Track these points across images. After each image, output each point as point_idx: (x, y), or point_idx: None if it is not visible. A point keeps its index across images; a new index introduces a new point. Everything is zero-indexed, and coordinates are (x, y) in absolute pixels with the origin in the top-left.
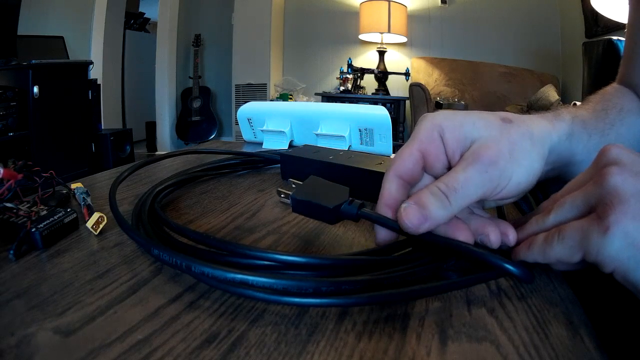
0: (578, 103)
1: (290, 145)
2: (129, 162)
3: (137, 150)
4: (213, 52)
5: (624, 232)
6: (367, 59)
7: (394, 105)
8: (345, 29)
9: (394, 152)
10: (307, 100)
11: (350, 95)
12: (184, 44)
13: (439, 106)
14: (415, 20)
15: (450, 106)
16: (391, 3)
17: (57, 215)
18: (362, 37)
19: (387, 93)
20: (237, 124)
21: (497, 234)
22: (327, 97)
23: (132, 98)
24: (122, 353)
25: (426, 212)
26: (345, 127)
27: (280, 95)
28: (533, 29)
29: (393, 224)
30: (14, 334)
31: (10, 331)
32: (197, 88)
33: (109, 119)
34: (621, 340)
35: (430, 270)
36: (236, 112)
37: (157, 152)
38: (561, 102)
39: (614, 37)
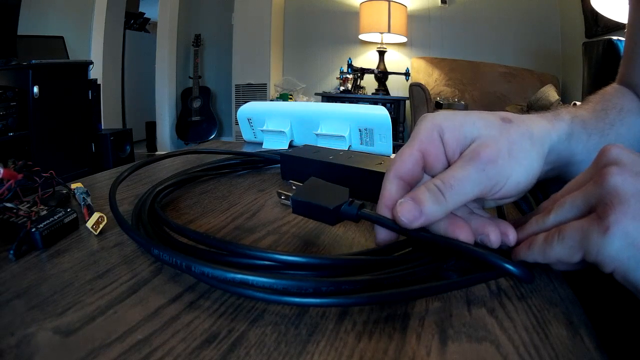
0: (578, 103)
1: (290, 145)
2: (129, 162)
3: (137, 150)
4: (213, 52)
5: (624, 232)
6: (367, 59)
7: (394, 105)
8: (345, 29)
9: (394, 152)
10: (307, 100)
11: (350, 95)
12: (184, 44)
13: (439, 106)
14: (415, 20)
15: (450, 106)
16: (391, 3)
17: (57, 215)
18: (362, 37)
19: (387, 93)
20: (237, 124)
21: (497, 233)
22: (327, 97)
23: (132, 98)
24: (122, 353)
25: (421, 207)
26: (345, 127)
27: (280, 95)
28: (533, 29)
29: (392, 224)
30: (14, 334)
31: (10, 331)
32: (197, 88)
33: (109, 119)
34: (621, 340)
35: (430, 270)
36: (236, 112)
37: (157, 152)
38: (561, 102)
39: (614, 37)
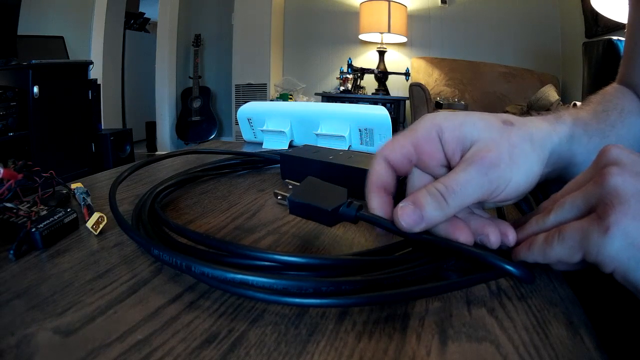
0: (578, 103)
1: (290, 145)
2: (129, 162)
3: (137, 150)
4: (213, 52)
5: (624, 232)
6: (367, 59)
7: (394, 105)
8: (345, 29)
9: None
10: (307, 100)
11: (350, 95)
12: (184, 44)
13: (439, 106)
14: (415, 20)
15: (450, 106)
16: (391, 3)
17: (57, 215)
18: (362, 37)
19: (387, 93)
20: (237, 124)
21: (496, 234)
22: (327, 97)
23: (132, 98)
24: (122, 353)
25: (422, 212)
26: (345, 127)
27: (280, 95)
28: (533, 29)
29: (392, 227)
30: (14, 334)
31: (10, 331)
32: (197, 88)
33: (109, 119)
34: (621, 340)
35: (430, 270)
36: (236, 112)
37: (157, 152)
38: (561, 102)
39: (614, 37)
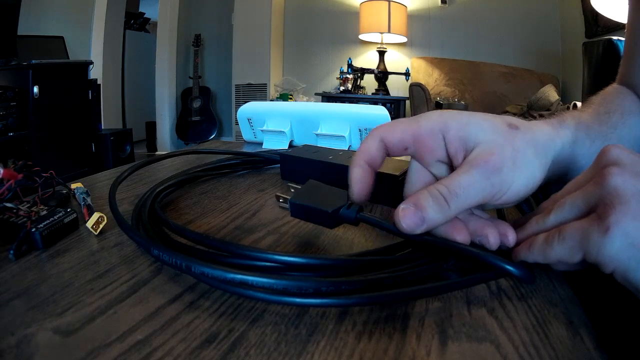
0: (579, 103)
1: (290, 145)
2: (129, 162)
3: (137, 150)
4: (213, 52)
5: (624, 233)
6: (367, 59)
7: (394, 105)
8: (345, 29)
9: None
10: (307, 100)
11: (350, 95)
12: (184, 44)
13: (439, 106)
14: (415, 20)
15: (450, 106)
16: (391, 3)
17: (57, 215)
18: (362, 37)
19: (387, 93)
20: (237, 124)
21: (496, 235)
22: (327, 97)
23: (132, 98)
24: (122, 353)
25: (423, 214)
26: (345, 127)
27: (280, 95)
28: (533, 29)
29: (393, 228)
30: (14, 334)
31: (10, 331)
32: (197, 88)
33: (109, 119)
34: (621, 340)
35: (430, 270)
36: (236, 112)
37: (157, 152)
38: (561, 102)
39: (614, 37)
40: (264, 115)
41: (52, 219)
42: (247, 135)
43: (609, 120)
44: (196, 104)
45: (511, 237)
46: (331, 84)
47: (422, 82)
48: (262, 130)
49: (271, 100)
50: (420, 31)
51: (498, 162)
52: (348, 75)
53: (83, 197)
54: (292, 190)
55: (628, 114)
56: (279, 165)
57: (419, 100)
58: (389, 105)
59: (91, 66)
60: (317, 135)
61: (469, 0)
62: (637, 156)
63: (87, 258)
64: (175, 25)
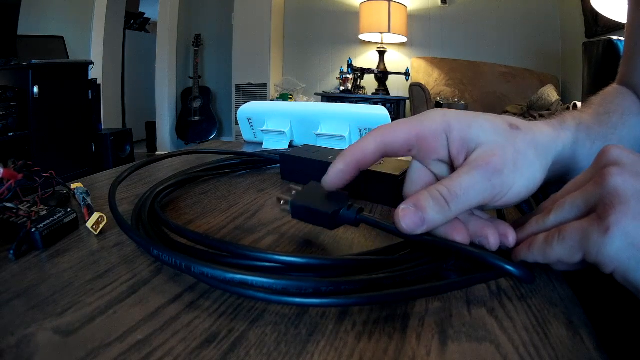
0: (579, 103)
1: (290, 145)
2: (129, 162)
3: (137, 150)
4: (213, 52)
5: (624, 233)
6: (367, 59)
7: (394, 105)
8: (345, 29)
9: None
10: (307, 100)
11: (350, 95)
12: (184, 44)
13: (438, 106)
14: (415, 20)
15: (450, 106)
16: (391, 3)
17: (57, 215)
18: (362, 37)
19: (387, 93)
20: (237, 124)
21: (495, 236)
22: (327, 97)
23: (132, 98)
24: (122, 353)
25: (424, 215)
26: (345, 127)
27: (280, 95)
28: (533, 29)
29: (393, 229)
30: (14, 334)
31: (10, 331)
32: (197, 88)
33: (109, 119)
34: (621, 340)
35: (430, 270)
36: (236, 112)
37: (157, 152)
38: (561, 102)
39: (614, 37)
40: (264, 115)
41: (52, 219)
42: (247, 135)
43: (609, 120)
44: (196, 104)
45: (511, 237)
46: (331, 84)
47: (422, 82)
48: (262, 130)
49: (271, 100)
50: (420, 31)
51: (499, 164)
52: (348, 75)
53: (83, 197)
54: (293, 191)
55: (628, 114)
56: (279, 165)
57: (419, 100)
58: (389, 105)
59: (91, 66)
60: (317, 135)
61: (469, 0)
62: (637, 156)
63: (87, 258)
64: (175, 25)
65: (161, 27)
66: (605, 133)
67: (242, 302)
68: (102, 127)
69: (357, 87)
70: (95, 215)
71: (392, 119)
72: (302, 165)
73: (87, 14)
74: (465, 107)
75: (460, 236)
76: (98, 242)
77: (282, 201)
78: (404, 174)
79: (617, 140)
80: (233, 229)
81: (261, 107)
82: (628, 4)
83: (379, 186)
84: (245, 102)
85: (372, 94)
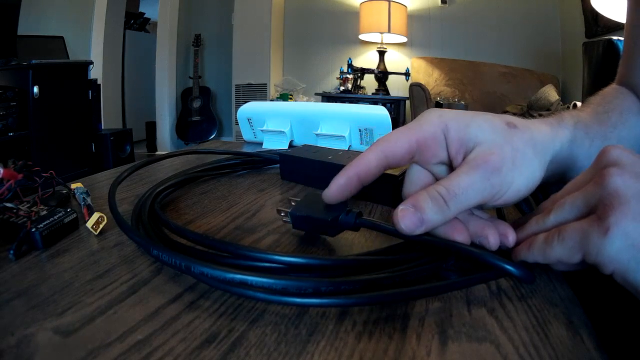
0: (579, 103)
1: (290, 145)
2: (129, 162)
3: (137, 150)
4: (213, 52)
5: (624, 233)
6: (367, 59)
7: (394, 105)
8: (345, 29)
9: None
10: (307, 100)
11: (350, 95)
12: (184, 44)
13: (438, 106)
14: (415, 20)
15: (450, 106)
16: (391, 3)
17: (57, 215)
18: (362, 37)
19: (387, 93)
20: (237, 124)
21: (495, 236)
22: (327, 97)
23: (132, 98)
24: (122, 353)
25: (423, 215)
26: (345, 127)
27: (280, 95)
28: (533, 29)
29: (392, 230)
30: (14, 334)
31: (10, 331)
32: (197, 88)
33: (109, 119)
34: (621, 340)
35: (430, 270)
36: (236, 112)
37: (157, 152)
38: (561, 102)
39: (614, 37)
40: (264, 115)
41: (52, 219)
42: (247, 135)
43: (607, 119)
44: (196, 104)
45: (511, 237)
46: (331, 84)
47: (422, 82)
48: (262, 130)
49: (271, 100)
50: (420, 31)
51: (498, 162)
52: (348, 75)
53: (83, 197)
54: (293, 203)
55: (627, 113)
56: (278, 165)
57: (419, 100)
58: (389, 105)
59: (91, 66)
60: (317, 135)
61: (469, 0)
62: (637, 157)
63: (87, 258)
64: (175, 25)
65: (161, 27)
66: (604, 132)
67: (242, 302)
68: (102, 127)
69: (357, 87)
70: (95, 215)
71: (392, 119)
72: (302, 165)
73: (87, 14)
74: (465, 107)
75: (460, 236)
76: (98, 242)
77: (282, 213)
78: (403, 174)
79: (616, 139)
80: (233, 229)
81: (261, 107)
82: (627, 4)
83: (379, 186)
84: (245, 102)
85: (372, 94)
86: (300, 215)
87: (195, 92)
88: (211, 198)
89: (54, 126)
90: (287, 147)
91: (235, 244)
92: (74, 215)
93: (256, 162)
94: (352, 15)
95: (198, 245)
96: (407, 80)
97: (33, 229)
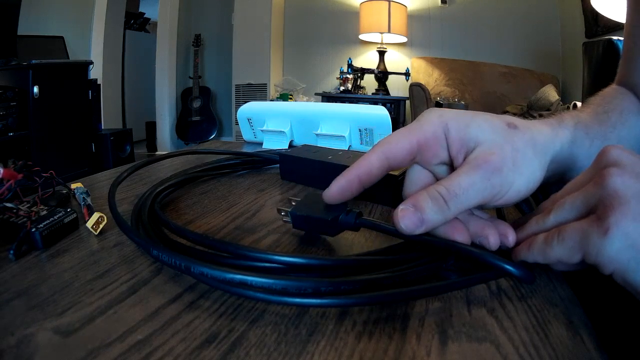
0: (579, 103)
1: (290, 145)
2: (129, 162)
3: (137, 150)
4: (213, 52)
5: (624, 234)
6: (367, 59)
7: (394, 105)
8: (345, 29)
9: None
10: (307, 100)
11: (350, 95)
12: (184, 44)
13: (439, 106)
14: (415, 20)
15: (450, 106)
16: (391, 3)
17: (57, 215)
18: (362, 37)
19: (387, 93)
20: (237, 124)
21: (495, 236)
22: (327, 97)
23: (132, 98)
24: (122, 353)
25: (423, 215)
26: (345, 127)
27: (280, 95)
28: (533, 29)
29: (392, 230)
30: (14, 334)
31: (10, 331)
32: (197, 88)
33: (109, 119)
34: (621, 340)
35: (430, 270)
36: (236, 112)
37: (157, 152)
38: (561, 102)
39: (614, 37)
40: (264, 115)
41: (52, 219)
42: (247, 135)
43: (607, 119)
44: (196, 104)
45: (511, 237)
46: (331, 84)
47: (422, 82)
48: (262, 130)
49: (271, 100)
50: (420, 31)
51: (498, 162)
52: (348, 75)
53: (83, 197)
54: (293, 203)
55: (627, 113)
56: (278, 165)
57: (419, 100)
58: (389, 105)
59: (91, 66)
60: (317, 135)
61: (469, 0)
62: (637, 157)
63: (87, 258)
64: (175, 25)
65: (161, 27)
66: (604, 132)
67: (242, 302)
68: (102, 127)
69: (357, 87)
70: (95, 215)
71: (392, 119)
72: (301, 165)
73: (87, 14)
74: (466, 107)
75: (460, 236)
76: (98, 242)
77: (282, 212)
78: (403, 174)
79: (616, 139)
80: (233, 229)
81: (261, 107)
82: (627, 4)
83: (379, 186)
84: (245, 102)
85: (372, 94)
86: (301, 215)
87: (195, 92)
88: (211, 198)
89: (54, 126)
90: (287, 147)
91: (235, 244)
92: (74, 215)
93: (256, 162)
94: (352, 15)
95: (198, 246)
96: (407, 80)
97: (33, 229)
